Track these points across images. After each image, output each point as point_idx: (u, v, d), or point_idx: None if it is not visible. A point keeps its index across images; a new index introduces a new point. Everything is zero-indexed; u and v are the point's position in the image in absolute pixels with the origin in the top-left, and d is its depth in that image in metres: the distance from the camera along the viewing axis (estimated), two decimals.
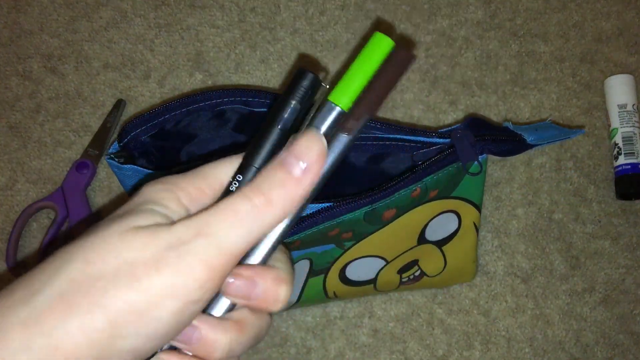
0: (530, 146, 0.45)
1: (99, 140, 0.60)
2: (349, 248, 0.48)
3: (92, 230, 0.25)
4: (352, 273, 0.51)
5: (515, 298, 0.59)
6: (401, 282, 0.54)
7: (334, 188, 0.50)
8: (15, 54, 0.63)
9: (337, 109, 0.26)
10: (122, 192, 0.60)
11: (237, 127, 0.48)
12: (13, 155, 0.61)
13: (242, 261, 0.27)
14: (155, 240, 0.23)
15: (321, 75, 0.27)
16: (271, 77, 0.63)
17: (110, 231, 0.24)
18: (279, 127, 0.27)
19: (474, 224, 0.51)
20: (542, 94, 0.63)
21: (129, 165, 0.44)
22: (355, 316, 0.58)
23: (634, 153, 0.60)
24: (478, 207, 0.50)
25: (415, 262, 0.52)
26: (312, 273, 0.49)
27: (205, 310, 0.26)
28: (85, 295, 0.22)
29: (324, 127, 0.26)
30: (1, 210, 0.60)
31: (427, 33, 0.64)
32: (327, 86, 0.26)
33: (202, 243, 0.24)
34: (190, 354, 0.26)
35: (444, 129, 0.47)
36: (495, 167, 0.61)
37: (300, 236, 0.43)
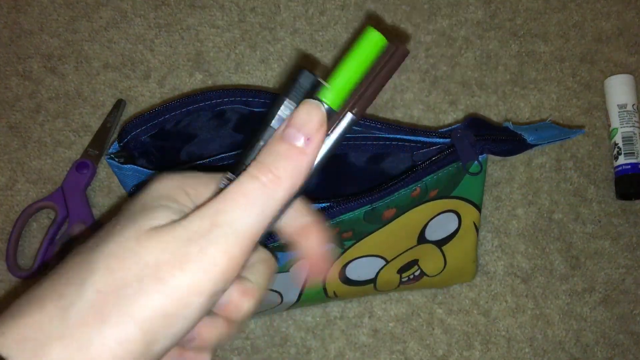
0: (531, 146, 0.45)
1: (99, 140, 0.60)
2: (348, 247, 0.48)
3: (107, 234, 0.24)
4: (352, 272, 0.51)
5: (515, 298, 0.59)
6: (401, 282, 0.54)
7: (334, 188, 0.50)
8: (15, 54, 0.63)
9: (325, 107, 0.26)
10: (122, 192, 0.60)
11: (237, 127, 0.48)
12: (13, 155, 0.61)
13: None
14: (174, 238, 0.23)
15: (319, 76, 0.26)
16: (271, 77, 0.63)
17: (127, 235, 0.24)
18: (274, 126, 0.27)
19: (474, 223, 0.51)
20: (542, 94, 0.63)
21: (129, 165, 0.44)
22: (355, 316, 0.58)
23: (634, 153, 0.60)
24: (478, 207, 0.50)
25: (415, 262, 0.52)
26: None
27: None
28: (114, 305, 0.22)
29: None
30: (1, 210, 0.60)
31: (427, 33, 0.64)
32: (328, 85, 0.26)
33: (220, 233, 0.23)
34: None
35: (444, 129, 0.47)
36: (495, 167, 0.61)
37: None
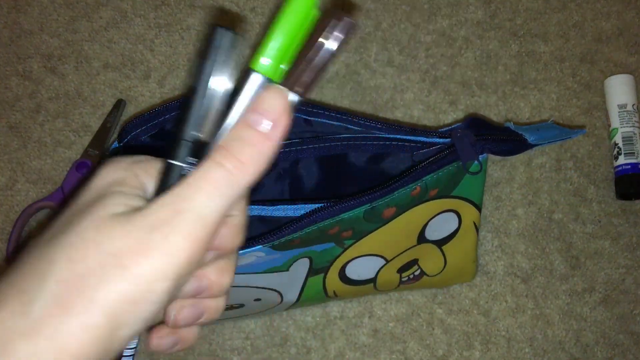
0: (531, 146, 0.45)
1: (99, 140, 0.60)
2: (348, 247, 0.48)
3: (63, 225, 0.24)
4: (352, 272, 0.51)
5: (515, 298, 0.59)
6: (401, 282, 0.54)
7: (334, 188, 0.50)
8: (15, 54, 0.63)
9: (262, 79, 0.25)
10: None
11: None
12: (13, 155, 0.61)
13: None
14: (136, 225, 0.23)
15: (238, 30, 0.25)
16: None
17: (85, 224, 0.24)
18: (204, 97, 0.26)
19: (474, 223, 0.51)
20: (542, 94, 0.63)
21: None
22: (355, 316, 0.58)
23: (634, 153, 0.60)
24: (478, 207, 0.50)
25: (415, 262, 0.52)
26: (312, 272, 0.49)
27: None
28: (78, 294, 0.22)
29: (250, 102, 0.26)
30: (1, 210, 0.60)
31: (427, 33, 0.64)
32: (241, 37, 0.25)
33: (184, 219, 0.23)
34: None
35: (444, 129, 0.47)
36: (495, 167, 0.61)
37: (300, 234, 0.43)
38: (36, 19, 0.64)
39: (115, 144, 0.45)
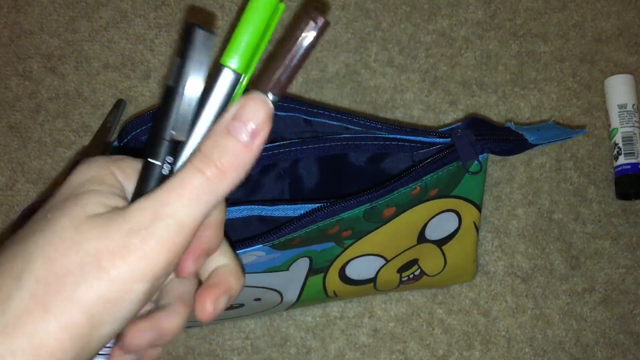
0: (532, 146, 0.45)
1: (98, 141, 0.60)
2: (348, 246, 0.48)
3: (40, 224, 0.24)
4: (352, 272, 0.51)
5: (515, 298, 0.59)
6: (401, 282, 0.54)
7: (334, 188, 0.50)
8: (15, 54, 0.63)
9: (233, 75, 0.25)
10: None
11: None
12: (13, 155, 0.61)
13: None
14: (114, 227, 0.23)
15: (213, 28, 0.25)
16: None
17: (62, 224, 0.24)
18: (182, 96, 0.26)
19: (474, 223, 0.51)
20: (542, 94, 0.63)
21: None
22: (355, 316, 0.58)
23: (634, 153, 0.60)
24: (478, 207, 0.50)
25: (415, 262, 0.52)
26: (312, 272, 0.49)
27: None
28: (56, 293, 0.22)
29: (222, 99, 0.26)
30: (1, 210, 0.60)
31: (427, 33, 0.64)
32: (215, 35, 0.25)
33: (163, 225, 0.24)
34: None
35: (444, 129, 0.47)
36: (495, 167, 0.61)
37: (300, 233, 0.43)
38: (36, 19, 0.64)
39: (116, 144, 0.45)
